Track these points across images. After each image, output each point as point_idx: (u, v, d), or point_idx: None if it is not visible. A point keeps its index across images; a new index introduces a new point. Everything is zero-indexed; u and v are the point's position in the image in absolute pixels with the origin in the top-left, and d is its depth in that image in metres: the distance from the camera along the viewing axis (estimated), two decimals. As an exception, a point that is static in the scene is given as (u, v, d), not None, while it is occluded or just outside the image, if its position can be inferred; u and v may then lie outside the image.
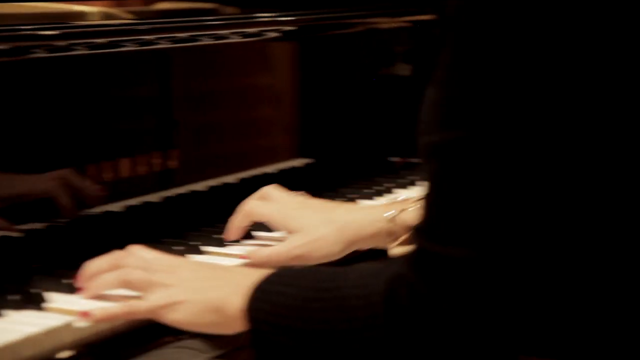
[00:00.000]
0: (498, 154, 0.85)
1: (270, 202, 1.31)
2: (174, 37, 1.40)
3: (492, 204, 0.85)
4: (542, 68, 0.85)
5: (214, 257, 1.27)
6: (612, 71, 0.86)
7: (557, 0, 0.85)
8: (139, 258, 1.07)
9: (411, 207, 1.27)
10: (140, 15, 1.52)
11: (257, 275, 1.00)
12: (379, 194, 1.61)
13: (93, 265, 1.10)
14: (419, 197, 1.00)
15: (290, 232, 1.28)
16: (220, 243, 1.31)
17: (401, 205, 1.29)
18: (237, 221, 1.31)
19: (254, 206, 1.31)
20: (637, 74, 0.87)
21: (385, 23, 1.74)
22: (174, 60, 1.41)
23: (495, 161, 0.85)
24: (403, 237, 1.24)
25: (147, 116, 1.38)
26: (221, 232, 1.33)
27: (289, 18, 1.58)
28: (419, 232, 0.89)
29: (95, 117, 1.29)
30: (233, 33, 1.50)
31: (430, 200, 0.89)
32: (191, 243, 1.29)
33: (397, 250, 1.25)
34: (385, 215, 1.28)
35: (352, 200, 1.56)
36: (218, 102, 1.50)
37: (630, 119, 0.86)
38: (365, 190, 1.62)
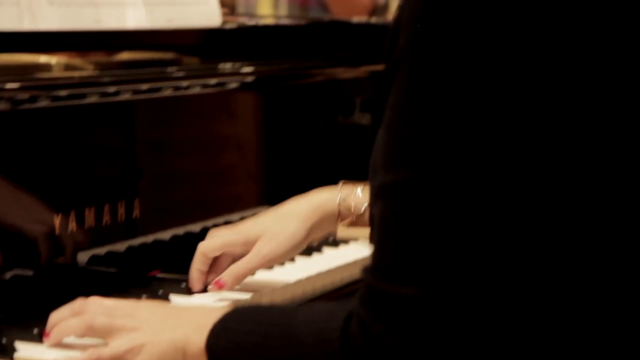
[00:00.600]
0: (442, 194, 0.88)
1: (221, 232, 1.34)
2: (136, 88, 1.42)
3: (436, 243, 0.88)
4: (485, 111, 0.87)
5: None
6: (556, 116, 0.88)
7: (497, 47, 0.87)
8: (100, 305, 1.09)
9: (360, 188, 1.31)
10: (102, 66, 1.53)
11: (217, 313, 1.02)
12: (345, 240, 1.63)
13: (57, 314, 1.11)
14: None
15: (252, 242, 1.31)
16: (188, 291, 1.33)
17: (350, 189, 1.33)
18: (196, 265, 1.33)
19: (206, 244, 1.33)
20: (578, 120, 0.89)
21: (344, 73, 1.78)
22: (136, 110, 1.43)
23: (439, 202, 0.88)
24: (349, 219, 1.28)
25: (110, 166, 1.40)
26: (186, 281, 1.34)
27: (249, 69, 1.60)
28: (369, 271, 0.92)
29: (58, 168, 1.30)
30: (194, 84, 1.52)
31: (378, 240, 0.92)
32: (160, 292, 1.31)
33: (344, 232, 1.29)
34: (337, 196, 1.32)
35: (316, 248, 1.58)
36: (181, 151, 1.52)
37: (569, 165, 0.89)
38: (330, 238, 1.64)
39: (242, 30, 1.71)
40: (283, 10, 3.01)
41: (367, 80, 1.79)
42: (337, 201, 1.34)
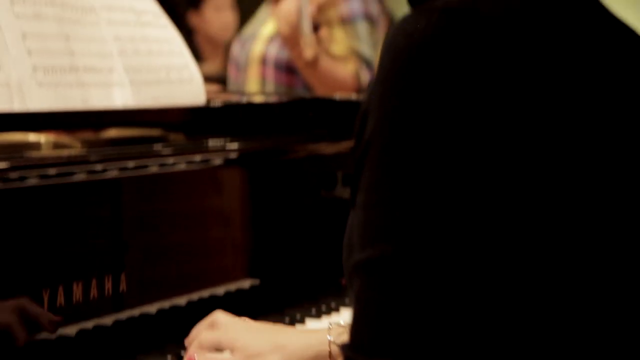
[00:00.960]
0: (418, 269, 0.90)
1: (218, 329, 1.35)
2: (123, 166, 1.46)
3: (413, 317, 0.90)
4: (456, 186, 0.90)
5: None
6: (520, 191, 0.91)
7: (463, 125, 0.90)
8: None
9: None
10: (90, 144, 1.57)
11: None
12: (327, 312, 1.66)
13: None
14: None
15: (236, 353, 1.33)
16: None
17: (344, 329, 1.34)
18: (191, 353, 1.34)
19: (203, 338, 1.35)
20: (545, 190, 0.91)
21: (327, 149, 1.81)
22: (123, 187, 1.46)
23: (415, 276, 0.90)
24: None
25: (97, 241, 1.42)
26: (173, 353, 1.36)
27: (233, 146, 1.64)
28: (348, 347, 0.94)
29: (46, 243, 1.33)
30: (180, 160, 1.56)
31: (355, 316, 0.93)
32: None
33: None
34: (328, 338, 1.33)
35: (299, 320, 1.60)
36: (168, 225, 1.55)
37: (541, 236, 0.91)
38: (313, 310, 1.66)
39: (226, 107, 1.75)
40: (270, 90, 3.06)
41: (349, 155, 1.82)
42: (328, 342, 1.35)
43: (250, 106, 1.87)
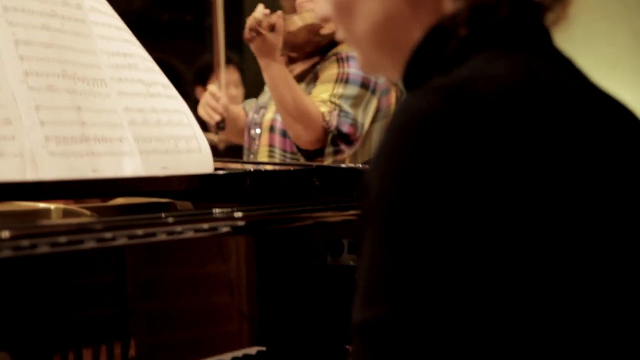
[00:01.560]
0: (415, 330, 0.91)
1: None
2: (132, 234, 1.48)
3: None
4: (461, 249, 0.92)
5: None
6: (528, 252, 0.94)
7: (461, 195, 0.93)
8: None
9: None
10: (99, 211, 1.60)
11: None
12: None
13: None
14: None
15: None
16: None
17: None
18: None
19: None
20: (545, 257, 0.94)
21: (333, 217, 1.84)
22: (130, 253, 1.48)
23: (412, 337, 0.91)
24: None
25: (105, 308, 1.44)
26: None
27: (240, 214, 1.67)
28: None
29: (56, 310, 1.35)
30: (187, 229, 1.58)
31: None
32: None
33: None
34: None
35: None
36: (175, 292, 1.56)
37: (541, 297, 0.94)
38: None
39: (233, 176, 1.78)
40: (277, 156, 3.10)
41: (356, 223, 1.85)
42: None
43: (257, 174, 1.90)
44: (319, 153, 3.05)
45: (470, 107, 0.95)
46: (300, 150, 3.06)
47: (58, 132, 1.42)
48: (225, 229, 1.64)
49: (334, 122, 2.99)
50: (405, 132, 0.96)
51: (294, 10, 3.17)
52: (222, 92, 3.33)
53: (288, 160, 3.08)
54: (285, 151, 3.11)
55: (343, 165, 2.02)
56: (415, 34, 1.05)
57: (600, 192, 0.98)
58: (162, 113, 1.62)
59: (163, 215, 1.58)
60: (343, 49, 3.15)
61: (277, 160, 3.11)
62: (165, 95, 1.65)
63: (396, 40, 1.07)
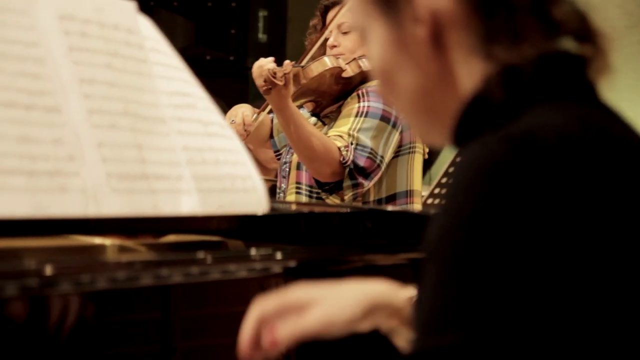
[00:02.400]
0: (491, 356, 0.93)
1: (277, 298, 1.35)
2: (187, 272, 1.49)
3: None
4: (536, 278, 0.95)
5: None
6: (600, 281, 0.96)
7: (527, 233, 0.96)
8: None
9: None
10: (153, 248, 1.61)
11: None
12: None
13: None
14: None
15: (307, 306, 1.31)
16: None
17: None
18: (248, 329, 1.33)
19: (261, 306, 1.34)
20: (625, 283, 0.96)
21: (383, 260, 1.84)
22: (175, 290, 1.49)
23: None
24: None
25: (146, 344, 1.45)
26: None
27: (293, 255, 1.68)
28: None
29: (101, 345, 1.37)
30: (241, 268, 1.59)
31: None
32: None
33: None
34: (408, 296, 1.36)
35: None
36: (216, 328, 1.58)
37: (622, 320, 0.96)
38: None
39: (287, 216, 1.79)
40: (303, 192, 3.17)
41: (406, 267, 1.86)
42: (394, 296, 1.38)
43: (311, 215, 1.91)
44: (338, 187, 3.10)
45: (535, 153, 0.98)
46: (319, 184, 3.11)
47: (119, 169, 1.45)
48: (277, 269, 1.65)
49: (350, 156, 3.05)
50: (473, 177, 0.99)
51: (321, 54, 3.25)
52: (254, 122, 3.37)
53: (314, 196, 3.14)
54: (311, 187, 3.18)
55: (394, 209, 2.03)
56: (453, 99, 1.09)
57: None
58: (219, 152, 1.64)
59: (216, 253, 1.59)
60: (366, 85, 3.21)
61: (303, 196, 3.17)
62: (222, 135, 1.67)
63: (435, 107, 1.12)
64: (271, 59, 3.05)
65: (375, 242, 1.85)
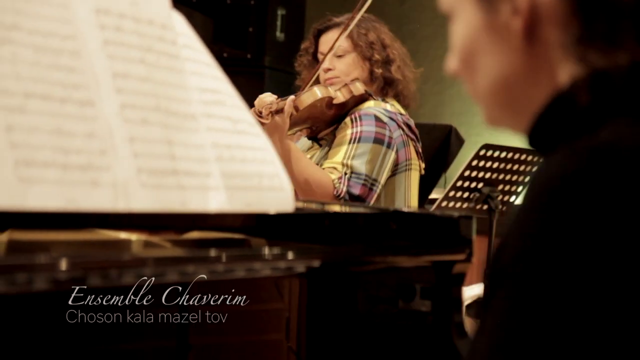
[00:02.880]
0: None
1: None
2: (213, 269, 1.50)
3: None
4: (601, 322, 0.92)
5: None
6: None
7: (608, 267, 0.92)
8: None
9: None
10: (177, 244, 1.61)
11: None
12: None
13: None
14: None
15: None
16: None
17: None
18: None
19: None
20: None
21: (406, 261, 1.85)
22: (193, 287, 1.49)
23: None
24: None
25: (164, 339, 1.46)
26: None
27: (316, 254, 1.68)
28: None
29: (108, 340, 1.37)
30: (265, 267, 1.59)
31: None
32: None
33: None
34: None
35: None
36: (234, 326, 1.58)
37: None
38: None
39: (312, 216, 1.79)
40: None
41: (428, 269, 1.86)
42: None
43: (336, 215, 1.91)
44: None
45: (615, 170, 0.95)
46: None
47: (150, 165, 1.45)
48: (301, 268, 1.65)
49: (343, 188, 3.13)
50: (549, 193, 0.96)
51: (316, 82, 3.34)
52: None
53: None
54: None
55: (419, 212, 2.03)
56: (535, 95, 1.06)
57: None
58: (248, 150, 1.64)
59: (241, 251, 1.59)
60: (358, 109, 3.29)
61: None
62: (250, 133, 1.67)
63: (515, 100, 1.08)
64: (268, 94, 3.15)
65: (398, 243, 1.85)
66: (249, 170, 1.63)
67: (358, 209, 2.06)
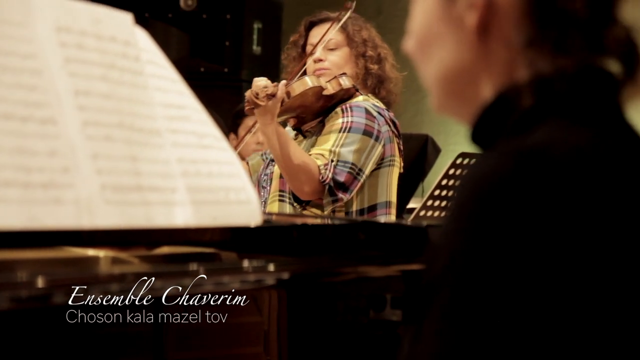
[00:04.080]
0: None
1: None
2: (180, 284, 1.50)
3: None
4: (530, 324, 0.93)
5: None
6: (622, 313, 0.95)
7: (536, 266, 0.94)
8: None
9: None
10: (146, 260, 1.61)
11: None
12: None
13: None
14: None
15: None
16: None
17: None
18: None
19: None
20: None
21: (376, 271, 1.85)
22: (167, 301, 1.49)
23: None
24: None
25: (140, 356, 1.46)
26: None
27: (285, 266, 1.68)
28: None
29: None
30: (234, 280, 1.59)
31: None
32: None
33: None
34: None
35: None
36: (211, 342, 1.58)
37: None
38: None
39: (280, 228, 1.80)
40: (285, 201, 3.27)
41: (398, 279, 1.87)
42: None
43: (304, 227, 1.92)
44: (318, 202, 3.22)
45: (542, 172, 0.97)
46: (297, 200, 3.22)
47: (114, 181, 1.45)
48: (271, 281, 1.66)
49: (329, 174, 3.17)
50: (477, 195, 0.98)
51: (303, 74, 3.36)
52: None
53: (296, 204, 3.23)
54: (295, 197, 3.26)
55: (388, 222, 2.03)
56: (482, 90, 1.08)
57: None
58: (214, 164, 1.64)
59: (208, 265, 1.59)
60: (349, 101, 3.32)
61: (287, 203, 3.26)
62: (216, 147, 1.67)
63: (462, 92, 1.10)
64: (263, 78, 3.16)
65: (368, 254, 1.86)
66: (216, 185, 1.63)
67: (327, 221, 2.07)
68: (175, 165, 1.57)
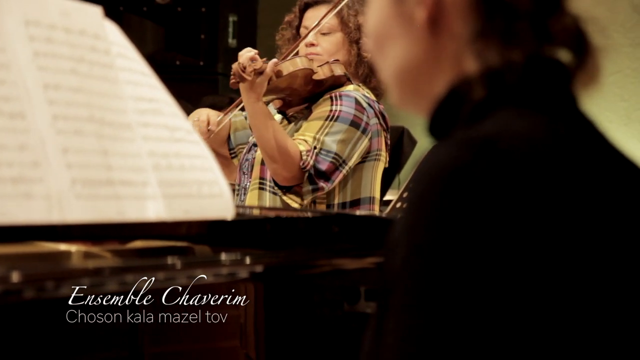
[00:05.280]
0: None
1: None
2: (153, 277, 1.49)
3: None
4: (491, 313, 0.94)
5: None
6: (576, 301, 0.96)
7: (491, 254, 0.95)
8: None
9: None
10: (119, 254, 1.61)
11: None
12: None
13: None
14: None
15: None
16: None
17: None
18: None
19: None
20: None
21: (350, 264, 1.85)
22: (142, 296, 1.49)
23: None
24: None
25: (116, 349, 1.45)
26: None
27: (257, 260, 1.68)
28: None
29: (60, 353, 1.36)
30: (206, 273, 1.59)
31: None
32: None
33: None
34: None
35: None
36: (186, 336, 1.58)
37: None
38: None
39: (253, 221, 1.79)
40: (267, 186, 3.19)
41: (372, 271, 1.86)
42: None
43: (277, 220, 1.91)
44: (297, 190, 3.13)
45: (496, 160, 0.98)
46: (277, 185, 3.12)
47: (84, 175, 1.44)
48: (244, 274, 1.65)
49: (310, 161, 3.06)
50: (431, 184, 0.99)
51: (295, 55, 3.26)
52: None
53: (278, 192, 3.15)
54: (275, 182, 3.18)
55: (361, 214, 2.03)
56: (436, 83, 1.10)
57: (613, 244, 1.00)
58: (185, 157, 1.64)
59: (181, 258, 1.59)
60: (339, 89, 3.23)
61: (267, 192, 3.18)
62: (188, 140, 1.67)
63: (417, 86, 1.12)
64: (252, 50, 3.05)
65: (342, 246, 1.86)
66: (188, 178, 1.63)
67: (300, 213, 2.07)
68: (147, 158, 1.57)
